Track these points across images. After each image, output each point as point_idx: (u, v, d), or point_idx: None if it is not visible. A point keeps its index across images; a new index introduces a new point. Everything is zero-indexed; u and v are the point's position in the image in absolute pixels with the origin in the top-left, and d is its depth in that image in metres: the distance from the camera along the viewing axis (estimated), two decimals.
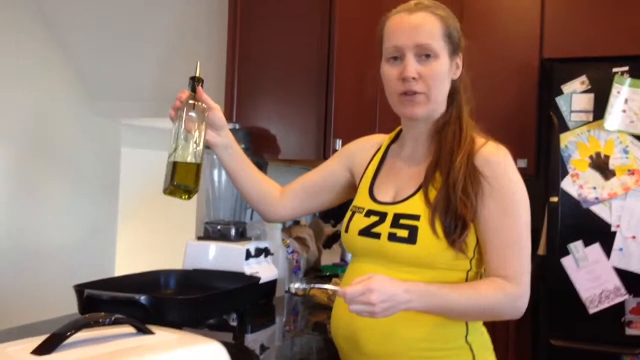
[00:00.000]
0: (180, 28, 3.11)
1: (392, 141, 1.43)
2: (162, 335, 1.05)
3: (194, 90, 1.36)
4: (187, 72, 3.37)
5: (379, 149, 1.43)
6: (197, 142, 1.31)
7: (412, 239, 1.21)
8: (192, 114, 1.32)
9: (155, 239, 4.51)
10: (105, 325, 1.02)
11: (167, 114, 3.47)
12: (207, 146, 1.38)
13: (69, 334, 0.95)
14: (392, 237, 1.23)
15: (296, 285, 1.30)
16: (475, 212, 1.22)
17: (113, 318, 1.01)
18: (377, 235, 1.26)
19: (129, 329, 1.05)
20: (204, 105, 1.35)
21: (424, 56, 1.25)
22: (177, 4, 3.05)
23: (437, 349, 1.23)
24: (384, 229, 1.25)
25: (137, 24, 3.22)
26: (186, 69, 3.10)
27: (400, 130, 1.42)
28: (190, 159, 1.31)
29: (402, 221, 1.23)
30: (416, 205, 1.24)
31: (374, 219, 1.28)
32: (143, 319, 1.18)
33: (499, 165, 1.24)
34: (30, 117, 3.38)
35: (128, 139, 4.05)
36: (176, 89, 3.44)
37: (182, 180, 1.30)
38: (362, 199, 1.35)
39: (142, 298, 1.29)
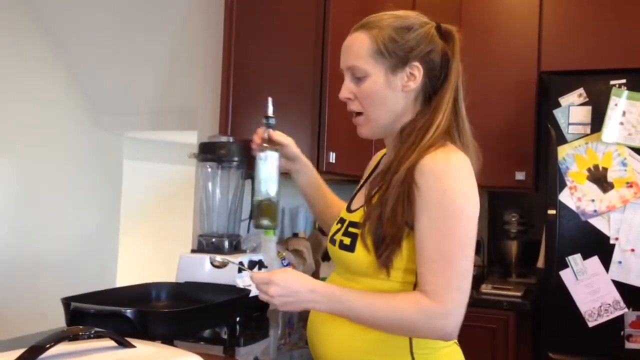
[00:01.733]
0: (179, 42, 3.14)
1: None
2: (142, 348, 1.06)
3: (268, 127, 1.50)
4: (186, 85, 3.40)
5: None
6: (273, 181, 1.45)
7: (352, 247, 1.23)
8: (269, 153, 1.46)
9: (157, 250, 4.52)
10: (85, 339, 1.02)
11: (169, 126, 3.49)
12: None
13: (47, 346, 0.96)
14: (340, 245, 1.27)
15: (217, 258, 1.45)
16: (406, 229, 1.17)
17: (93, 331, 1.02)
18: (333, 242, 1.31)
19: (110, 343, 1.06)
20: (278, 143, 1.48)
21: (355, 78, 1.27)
22: (175, 19, 3.09)
23: None
24: (339, 236, 1.29)
25: (138, 38, 3.26)
26: (185, 83, 3.14)
27: None
28: (266, 198, 1.45)
29: (350, 229, 1.26)
30: (362, 214, 1.25)
31: (337, 227, 1.33)
32: (130, 333, 1.19)
33: (433, 175, 1.14)
34: (32, 130, 3.42)
35: (130, 151, 4.08)
36: (177, 102, 3.48)
37: (262, 218, 1.46)
38: (344, 208, 1.39)
39: (128, 311, 1.30)
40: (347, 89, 1.28)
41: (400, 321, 1.14)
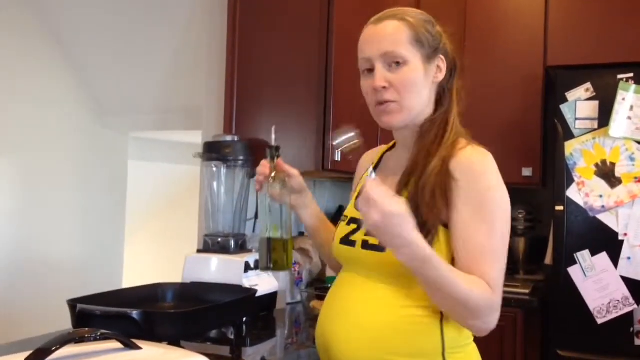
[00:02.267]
0: (183, 42, 3.14)
1: (389, 149, 1.43)
2: (148, 350, 1.05)
3: (272, 158, 1.36)
4: (191, 85, 3.40)
5: (377, 158, 1.43)
6: (283, 216, 1.35)
7: (382, 246, 1.15)
8: (277, 187, 1.34)
9: (163, 250, 4.53)
10: (92, 341, 1.02)
11: (174, 126, 3.47)
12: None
13: (53, 349, 0.95)
14: (365, 245, 1.22)
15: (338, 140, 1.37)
16: (445, 217, 1.17)
17: (99, 333, 1.02)
18: (353, 243, 1.26)
19: (116, 344, 1.05)
20: (285, 175, 1.37)
21: (393, 64, 1.23)
22: (179, 20, 3.09)
23: None
24: (359, 236, 1.24)
25: (142, 38, 3.26)
26: (190, 82, 3.14)
27: None
28: (278, 235, 1.34)
29: None
30: None
31: (352, 227, 1.28)
32: (136, 334, 1.19)
33: (472, 172, 1.18)
34: (37, 130, 3.42)
35: (135, 151, 4.09)
36: (181, 102, 3.48)
37: (274, 259, 1.35)
38: (349, 208, 1.36)
39: (134, 313, 1.29)
40: (383, 77, 1.23)
41: (469, 302, 1.11)
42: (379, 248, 1.16)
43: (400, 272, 1.14)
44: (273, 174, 1.34)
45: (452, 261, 1.18)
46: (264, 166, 1.36)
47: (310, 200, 1.46)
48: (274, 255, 1.34)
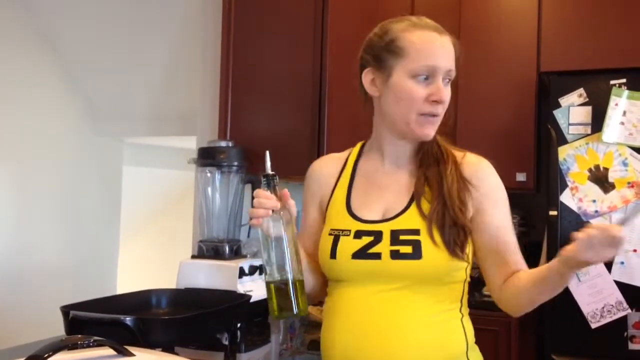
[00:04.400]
0: (177, 48, 3.15)
1: (358, 158, 1.38)
2: (141, 357, 1.05)
3: (274, 188, 1.19)
4: (185, 91, 3.41)
5: (343, 168, 1.37)
6: (291, 254, 1.17)
7: (417, 254, 1.19)
8: (279, 220, 1.17)
9: (158, 256, 4.51)
10: (84, 348, 1.02)
11: (168, 131, 3.47)
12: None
13: (45, 356, 0.95)
14: (395, 255, 1.20)
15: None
16: (472, 222, 1.24)
17: (92, 340, 1.01)
18: (377, 256, 1.21)
19: (109, 351, 1.05)
20: (286, 206, 1.19)
21: (445, 80, 1.25)
22: (173, 26, 3.09)
23: None
24: (384, 247, 1.21)
25: (136, 45, 3.26)
26: (184, 89, 3.14)
27: (362, 146, 1.39)
28: (284, 280, 1.16)
29: (402, 237, 1.21)
30: (413, 220, 1.23)
31: (367, 239, 1.23)
32: (129, 341, 1.18)
33: (489, 175, 1.28)
34: (32, 137, 3.41)
35: (129, 157, 4.08)
36: (175, 107, 3.48)
37: (283, 306, 1.16)
38: (342, 221, 1.29)
39: (128, 319, 1.29)
40: (446, 93, 1.26)
41: None
42: (414, 256, 1.19)
43: (434, 276, 1.21)
44: (278, 206, 1.17)
45: (474, 256, 1.28)
46: (268, 198, 1.17)
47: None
48: (279, 302, 1.15)
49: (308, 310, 1.23)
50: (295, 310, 1.16)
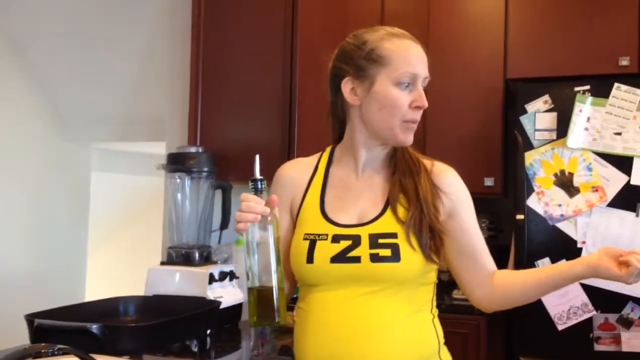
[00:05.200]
0: (146, 52, 3.12)
1: (328, 164, 1.38)
2: None
3: (256, 192, 1.15)
4: (154, 96, 3.37)
5: (314, 172, 1.37)
6: (276, 260, 1.15)
7: (395, 256, 1.21)
8: (267, 226, 1.14)
9: (127, 263, 4.45)
10: (49, 356, 1.00)
11: (137, 137, 3.41)
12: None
13: None
14: (374, 258, 1.22)
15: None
16: (445, 225, 1.29)
17: (56, 348, 0.99)
18: (357, 259, 1.22)
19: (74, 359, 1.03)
20: (274, 212, 1.17)
21: (422, 87, 1.30)
22: (144, 31, 3.07)
23: None
24: (363, 251, 1.22)
25: (105, 49, 3.22)
26: (153, 93, 3.11)
27: (332, 151, 1.39)
28: (267, 286, 1.14)
29: (380, 240, 1.23)
30: (389, 224, 1.25)
31: (345, 243, 1.24)
32: (96, 349, 1.16)
33: (457, 182, 1.34)
34: None
35: (98, 163, 4.02)
36: (144, 112, 3.45)
37: (264, 313, 1.14)
38: (317, 226, 1.29)
39: (94, 327, 1.27)
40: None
41: None
42: (393, 259, 1.22)
43: (411, 279, 1.25)
44: (268, 212, 1.14)
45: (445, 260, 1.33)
46: (258, 203, 1.15)
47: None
48: (260, 309, 1.13)
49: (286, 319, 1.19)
50: (277, 319, 1.14)
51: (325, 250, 1.25)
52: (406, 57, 1.27)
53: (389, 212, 1.27)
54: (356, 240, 1.24)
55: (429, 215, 1.25)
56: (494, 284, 1.31)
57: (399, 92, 1.26)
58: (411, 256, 1.23)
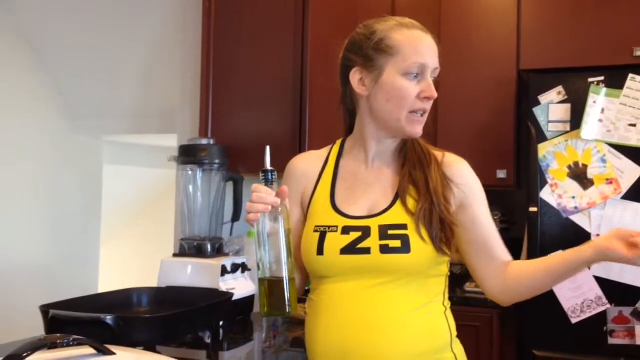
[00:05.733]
0: (157, 45, 3.12)
1: (338, 156, 1.38)
2: (122, 355, 1.04)
3: (267, 182, 1.15)
4: (165, 88, 3.38)
5: (324, 164, 1.37)
6: (287, 251, 1.15)
7: (405, 247, 1.21)
8: (277, 217, 1.15)
9: (139, 254, 4.48)
10: (64, 347, 1.00)
11: (148, 129, 3.42)
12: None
13: (24, 355, 0.94)
14: (384, 249, 1.22)
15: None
16: (457, 218, 1.28)
17: (71, 339, 1.00)
18: (366, 250, 1.23)
19: (89, 350, 1.04)
20: (285, 203, 1.17)
21: (432, 77, 1.28)
22: (154, 22, 3.07)
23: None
24: (373, 242, 1.23)
25: (116, 42, 3.23)
26: (164, 85, 3.12)
27: (342, 143, 1.39)
28: (278, 276, 1.14)
29: (390, 232, 1.23)
30: (399, 215, 1.25)
31: (355, 234, 1.24)
32: (110, 339, 1.17)
33: (469, 173, 1.33)
34: (10, 135, 3.36)
35: (109, 155, 4.04)
36: (155, 105, 3.46)
37: (274, 303, 1.14)
38: (327, 217, 1.29)
39: (108, 318, 1.28)
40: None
41: None
42: (403, 250, 1.21)
43: (421, 270, 1.24)
44: (278, 202, 1.14)
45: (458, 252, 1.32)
46: (268, 193, 1.15)
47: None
48: (271, 299, 1.14)
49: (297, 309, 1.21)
50: (287, 309, 1.14)
51: (335, 241, 1.25)
52: (414, 47, 1.26)
53: (398, 203, 1.27)
54: (366, 232, 1.24)
55: (439, 206, 1.25)
56: (506, 275, 1.30)
57: (407, 82, 1.25)
58: (421, 247, 1.22)
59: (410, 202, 1.26)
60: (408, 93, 1.25)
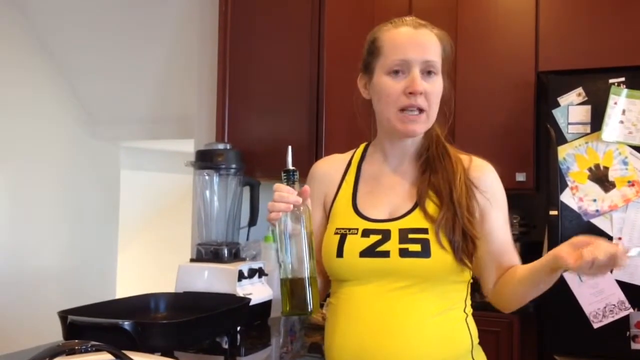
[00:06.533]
0: (174, 51, 3.14)
1: (361, 158, 1.39)
2: None
3: (288, 182, 1.15)
4: (182, 94, 3.40)
5: (347, 168, 1.38)
6: (309, 251, 1.15)
7: (425, 252, 1.20)
8: (299, 217, 1.14)
9: (157, 260, 4.50)
10: (82, 353, 1.00)
11: (165, 135, 3.44)
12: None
13: None
14: (404, 253, 1.20)
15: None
16: (479, 227, 1.26)
17: (89, 345, 1.00)
18: (386, 254, 1.21)
19: (107, 357, 1.03)
20: (307, 203, 1.17)
21: (426, 72, 1.25)
22: (171, 28, 3.08)
23: None
24: (393, 245, 1.21)
25: (133, 48, 3.25)
26: (181, 91, 3.13)
27: (366, 147, 1.40)
28: (300, 276, 1.14)
29: (410, 236, 1.21)
30: (420, 220, 1.24)
31: (375, 237, 1.23)
32: (128, 345, 1.17)
33: (493, 179, 1.30)
34: (29, 141, 3.40)
35: (127, 161, 4.07)
36: (173, 111, 3.48)
37: (295, 303, 1.14)
38: (348, 220, 1.29)
39: (126, 324, 1.27)
40: (422, 84, 1.23)
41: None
42: (423, 254, 1.19)
43: (441, 275, 1.22)
44: (300, 202, 1.14)
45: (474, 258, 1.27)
46: (290, 193, 1.14)
47: None
48: (292, 299, 1.14)
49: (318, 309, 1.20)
50: (309, 308, 1.14)
51: (355, 244, 1.24)
52: (396, 44, 1.26)
53: (419, 209, 1.25)
54: (386, 235, 1.23)
55: (462, 218, 1.22)
56: (499, 281, 1.28)
57: (390, 81, 1.24)
58: (442, 253, 1.21)
59: (431, 208, 1.24)
60: (391, 91, 1.24)
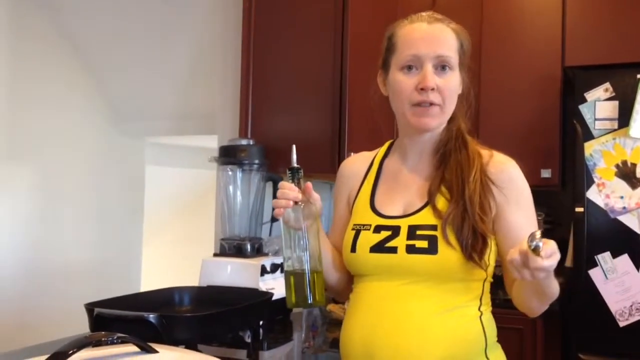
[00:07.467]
0: (198, 48, 3.16)
1: (384, 156, 1.40)
2: (164, 354, 1.05)
3: (298, 181, 1.22)
4: (206, 90, 3.42)
5: (370, 165, 1.39)
6: (309, 244, 1.20)
7: (432, 249, 1.19)
8: (304, 212, 1.20)
9: (181, 254, 4.55)
10: (108, 345, 1.02)
11: (190, 131, 3.48)
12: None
13: (70, 352, 0.96)
14: (410, 249, 1.21)
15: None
16: (494, 224, 1.23)
17: (115, 337, 1.02)
18: (393, 250, 1.22)
19: (133, 348, 1.05)
20: (309, 199, 1.22)
21: (440, 67, 1.24)
22: (195, 26, 3.11)
23: None
24: (400, 242, 1.22)
25: (158, 45, 3.29)
26: (205, 87, 3.15)
27: (390, 145, 1.41)
28: (307, 267, 1.20)
29: (418, 232, 1.21)
30: (430, 216, 1.23)
31: (385, 233, 1.24)
32: (153, 338, 1.19)
33: (514, 177, 1.26)
34: (56, 136, 3.46)
35: (152, 156, 4.12)
36: (197, 107, 3.50)
37: (299, 295, 1.19)
38: (364, 216, 1.31)
39: (151, 316, 1.29)
40: (434, 79, 1.23)
41: (556, 294, 1.19)
42: (429, 251, 1.19)
43: (448, 273, 1.20)
44: (301, 198, 1.19)
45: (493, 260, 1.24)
46: (291, 189, 1.20)
47: (321, 227, 1.32)
48: (296, 291, 1.19)
49: (324, 301, 1.26)
50: (309, 300, 1.19)
51: (367, 239, 1.26)
52: (408, 39, 1.26)
53: (430, 204, 1.25)
54: (395, 231, 1.24)
55: (472, 215, 1.19)
56: (513, 285, 1.24)
57: (403, 77, 1.25)
58: (449, 250, 1.19)
59: (442, 204, 1.23)
60: (404, 87, 1.24)
